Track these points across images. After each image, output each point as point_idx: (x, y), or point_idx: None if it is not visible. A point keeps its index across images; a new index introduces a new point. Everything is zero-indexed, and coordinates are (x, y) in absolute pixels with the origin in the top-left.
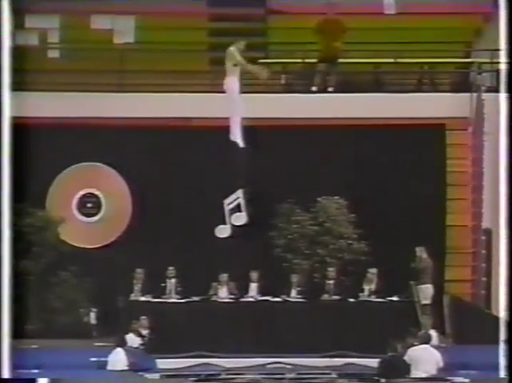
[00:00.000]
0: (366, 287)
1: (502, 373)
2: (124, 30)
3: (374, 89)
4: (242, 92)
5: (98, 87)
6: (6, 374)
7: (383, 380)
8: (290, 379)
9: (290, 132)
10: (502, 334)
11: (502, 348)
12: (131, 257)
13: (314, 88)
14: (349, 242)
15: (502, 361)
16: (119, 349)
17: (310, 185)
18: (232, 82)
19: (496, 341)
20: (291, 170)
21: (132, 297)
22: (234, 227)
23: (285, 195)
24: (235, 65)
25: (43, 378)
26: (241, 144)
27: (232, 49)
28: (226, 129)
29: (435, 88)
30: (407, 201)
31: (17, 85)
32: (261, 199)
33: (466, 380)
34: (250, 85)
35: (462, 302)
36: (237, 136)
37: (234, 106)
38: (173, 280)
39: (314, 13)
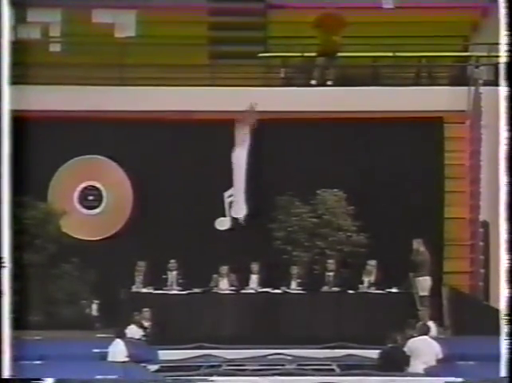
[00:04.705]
0: (365, 279)
1: (503, 373)
2: (125, 24)
3: (373, 83)
4: (241, 85)
5: (99, 80)
6: (7, 370)
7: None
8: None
9: (289, 125)
10: (503, 330)
11: (503, 344)
12: (133, 249)
13: (313, 82)
14: (348, 234)
15: (504, 358)
16: (119, 341)
17: (309, 178)
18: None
19: (494, 333)
20: (290, 163)
21: (134, 289)
22: (234, 219)
23: (284, 187)
24: None
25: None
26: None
27: None
28: (225, 122)
29: (433, 81)
30: (406, 193)
31: (19, 79)
32: (260, 192)
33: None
34: (249, 79)
35: (460, 294)
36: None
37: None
38: (174, 272)
39: (313, 8)
